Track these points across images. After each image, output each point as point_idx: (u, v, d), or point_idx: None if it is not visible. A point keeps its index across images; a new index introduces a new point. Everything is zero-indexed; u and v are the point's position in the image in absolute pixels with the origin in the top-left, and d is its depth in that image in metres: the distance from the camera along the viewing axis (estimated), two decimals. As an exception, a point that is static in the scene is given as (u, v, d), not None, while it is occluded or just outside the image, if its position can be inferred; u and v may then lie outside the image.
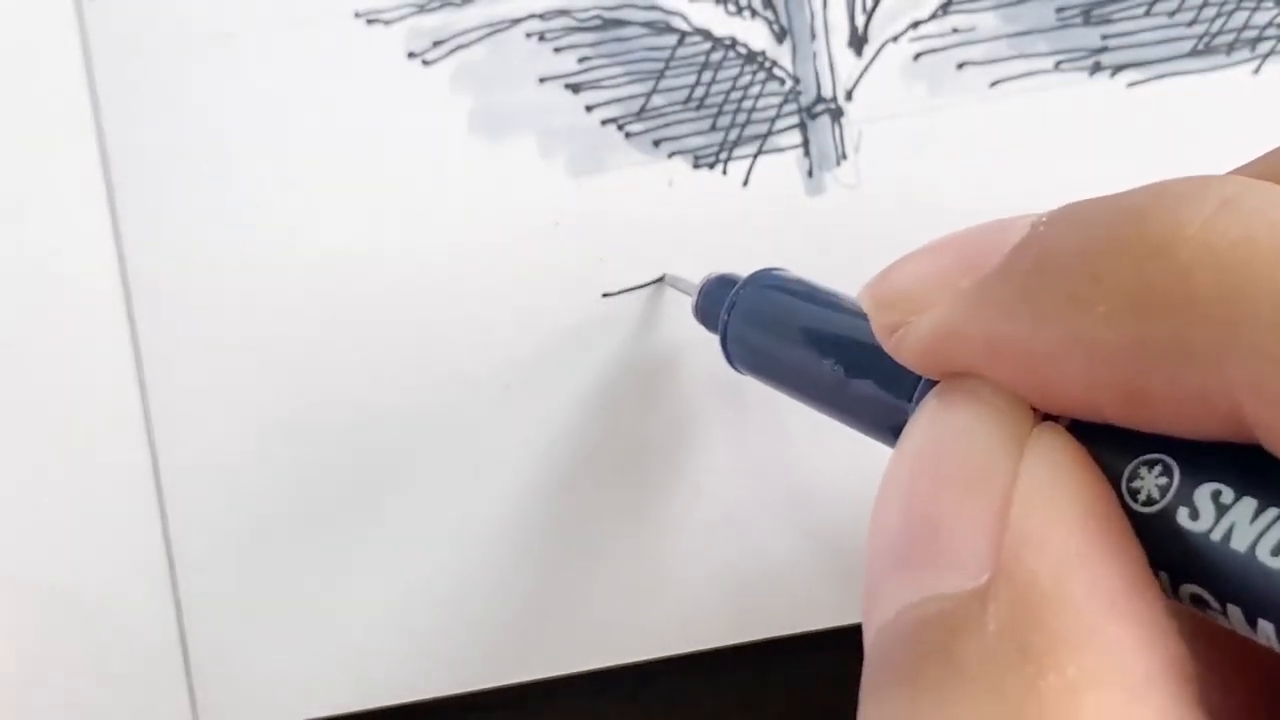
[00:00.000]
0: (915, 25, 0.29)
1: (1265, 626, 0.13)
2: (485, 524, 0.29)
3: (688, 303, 0.27)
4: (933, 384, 0.16)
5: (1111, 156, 0.29)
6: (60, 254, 0.29)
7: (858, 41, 0.29)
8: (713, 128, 0.29)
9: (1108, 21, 0.29)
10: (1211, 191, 0.13)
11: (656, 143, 0.29)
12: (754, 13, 0.29)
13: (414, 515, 0.29)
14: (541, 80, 0.29)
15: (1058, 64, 0.29)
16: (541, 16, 0.29)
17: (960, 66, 0.29)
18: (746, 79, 0.29)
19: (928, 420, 0.16)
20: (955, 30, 0.29)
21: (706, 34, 0.29)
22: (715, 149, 0.29)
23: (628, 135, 0.29)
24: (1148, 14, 0.29)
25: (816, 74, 0.29)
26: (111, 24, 0.29)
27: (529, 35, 0.29)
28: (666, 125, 0.29)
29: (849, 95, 0.29)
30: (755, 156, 0.29)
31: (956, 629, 0.13)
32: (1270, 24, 0.29)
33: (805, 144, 0.29)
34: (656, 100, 0.29)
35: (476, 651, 0.30)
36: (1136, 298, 0.13)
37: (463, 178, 0.29)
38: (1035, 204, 0.29)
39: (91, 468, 0.29)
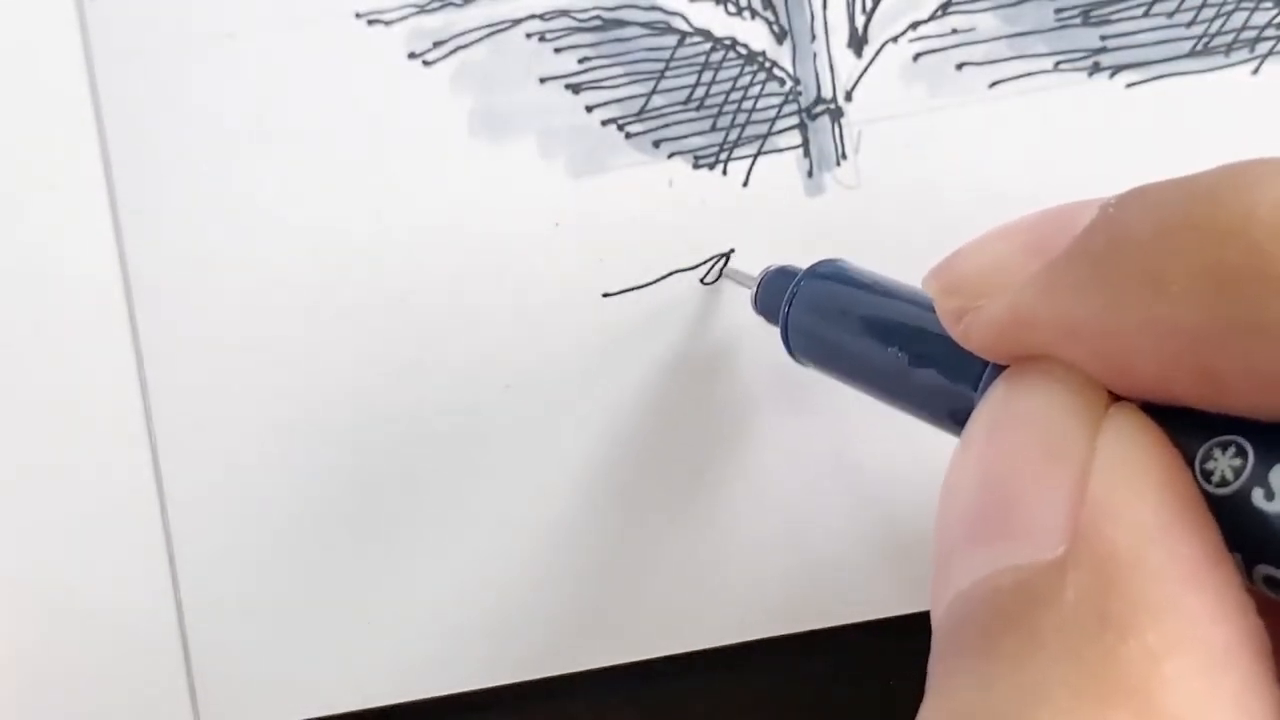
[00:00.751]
0: (915, 26, 0.29)
1: None
2: (497, 522, 0.29)
3: (745, 295, 0.27)
4: (999, 369, 0.16)
5: (1111, 157, 0.29)
6: (61, 254, 0.29)
7: (857, 42, 0.29)
8: (713, 128, 0.29)
9: (1107, 22, 0.29)
10: None
11: (656, 143, 0.29)
12: (754, 13, 0.29)
13: (414, 515, 0.29)
14: (542, 81, 0.29)
15: (1057, 64, 0.29)
16: (542, 17, 0.29)
17: (960, 67, 0.29)
18: (746, 79, 0.29)
19: (1000, 400, 0.16)
20: (955, 31, 0.29)
21: (707, 34, 0.29)
22: (715, 149, 0.29)
23: (628, 135, 0.29)
24: (1146, 14, 0.29)
25: (816, 74, 0.29)
26: (112, 24, 0.29)
27: (529, 36, 0.29)
28: (666, 125, 0.29)
29: (849, 96, 0.29)
30: (755, 157, 0.29)
31: (1034, 598, 0.13)
32: (1269, 24, 0.29)
33: (805, 144, 0.29)
34: (657, 101, 0.29)
35: (478, 651, 0.30)
36: (1210, 276, 0.13)
37: (463, 178, 0.29)
38: (1035, 204, 0.30)
39: (93, 468, 0.29)
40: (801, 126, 0.29)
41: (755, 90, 0.29)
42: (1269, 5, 0.29)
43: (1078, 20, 0.29)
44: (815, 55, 0.29)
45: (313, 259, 0.29)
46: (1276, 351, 0.13)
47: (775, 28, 0.29)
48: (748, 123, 0.29)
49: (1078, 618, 0.13)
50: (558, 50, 0.29)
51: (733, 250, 0.29)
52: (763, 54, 0.29)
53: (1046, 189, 0.29)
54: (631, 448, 0.29)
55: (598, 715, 0.30)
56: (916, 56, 0.29)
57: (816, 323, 0.23)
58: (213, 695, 0.29)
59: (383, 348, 0.29)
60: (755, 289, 0.26)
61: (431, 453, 0.29)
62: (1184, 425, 0.14)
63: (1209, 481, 0.14)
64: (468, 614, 0.29)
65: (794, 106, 0.29)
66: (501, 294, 0.29)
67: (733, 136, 0.29)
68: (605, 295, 0.29)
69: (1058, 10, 0.29)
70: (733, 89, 0.29)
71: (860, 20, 0.29)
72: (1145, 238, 0.14)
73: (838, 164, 0.29)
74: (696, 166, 0.29)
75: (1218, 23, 0.29)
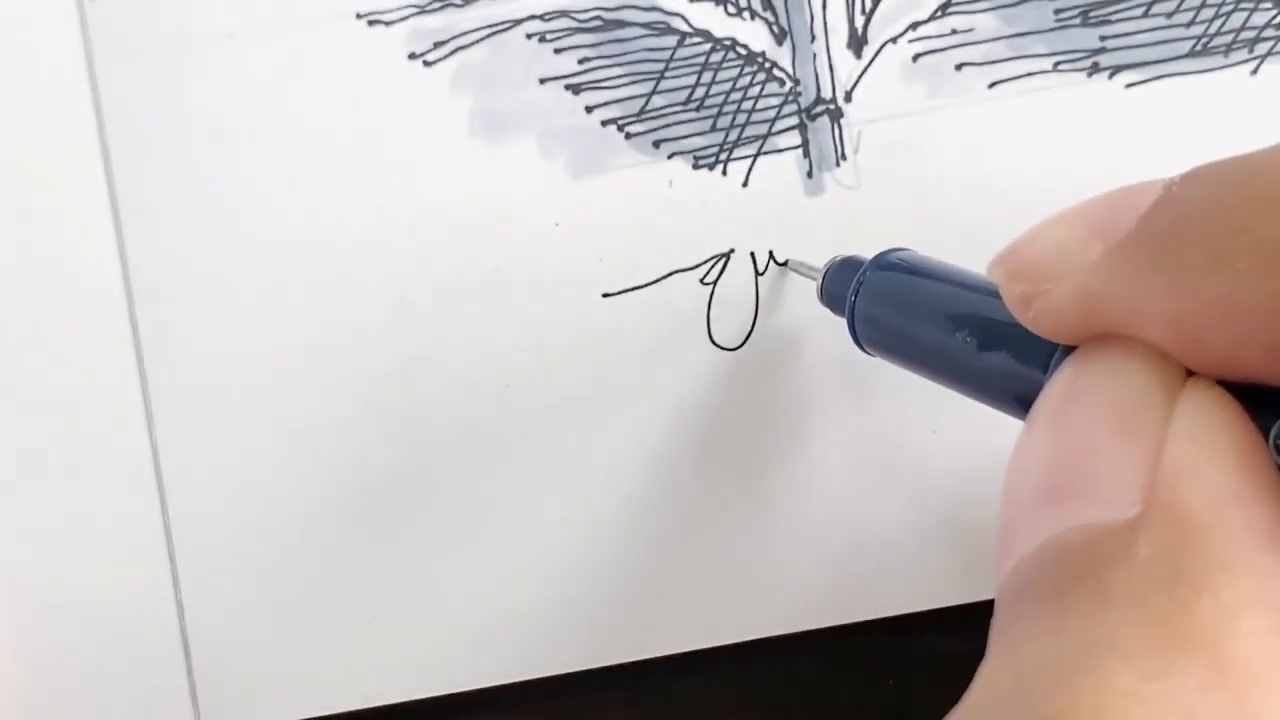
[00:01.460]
0: (914, 26, 0.29)
1: None
2: (498, 521, 0.29)
3: (810, 286, 0.27)
4: (1068, 351, 0.17)
5: (1110, 157, 0.29)
6: (62, 254, 0.29)
7: (857, 43, 0.29)
8: (713, 128, 0.29)
9: (1106, 23, 0.29)
10: None
11: (656, 143, 0.29)
12: (754, 14, 0.29)
13: (414, 514, 0.29)
14: (542, 81, 0.29)
15: (1056, 65, 0.29)
16: (542, 17, 0.29)
17: (959, 67, 0.29)
18: (746, 80, 0.29)
19: (1073, 375, 0.16)
20: (954, 31, 0.29)
21: (706, 35, 0.29)
22: (715, 149, 0.29)
23: (628, 136, 0.29)
24: (1146, 15, 0.29)
25: (816, 75, 0.29)
26: (112, 24, 0.29)
27: (529, 36, 0.29)
28: (666, 126, 0.29)
29: (848, 96, 0.29)
30: (755, 157, 0.29)
31: (1105, 556, 0.13)
32: (1268, 24, 0.29)
33: (805, 144, 0.29)
34: (657, 101, 0.29)
35: (478, 650, 0.30)
36: (1274, 252, 0.13)
37: (463, 178, 0.29)
38: (1034, 204, 0.30)
39: (93, 468, 0.29)
40: (801, 127, 0.29)
41: (755, 90, 0.29)
42: (1268, 5, 0.29)
43: (1077, 21, 0.29)
44: (815, 56, 0.29)
45: (313, 259, 0.29)
46: None
47: (775, 28, 0.29)
48: (748, 123, 0.29)
49: (1150, 574, 0.13)
50: (558, 51, 0.29)
51: (733, 250, 0.29)
52: (763, 54, 0.29)
53: (1046, 189, 0.29)
54: (631, 448, 0.29)
55: (598, 715, 0.30)
56: (916, 57, 0.29)
57: (883, 312, 0.24)
58: (213, 695, 0.29)
59: (382, 348, 0.29)
60: (821, 280, 0.27)
61: (431, 452, 0.29)
62: (1256, 402, 0.15)
63: None
64: (468, 613, 0.29)
65: (794, 107, 0.29)
66: (501, 294, 0.29)
67: (733, 137, 0.29)
68: (605, 295, 0.29)
69: (1057, 11, 0.29)
70: (733, 89, 0.29)
71: (860, 21, 0.29)
72: (1209, 216, 0.14)
73: (837, 164, 0.29)
74: (696, 166, 0.29)
75: (1217, 23, 0.29)
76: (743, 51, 0.29)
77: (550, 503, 0.29)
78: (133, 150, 0.29)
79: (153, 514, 0.29)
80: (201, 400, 0.29)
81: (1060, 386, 0.16)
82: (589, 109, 0.29)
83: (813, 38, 0.29)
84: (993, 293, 0.19)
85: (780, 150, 0.29)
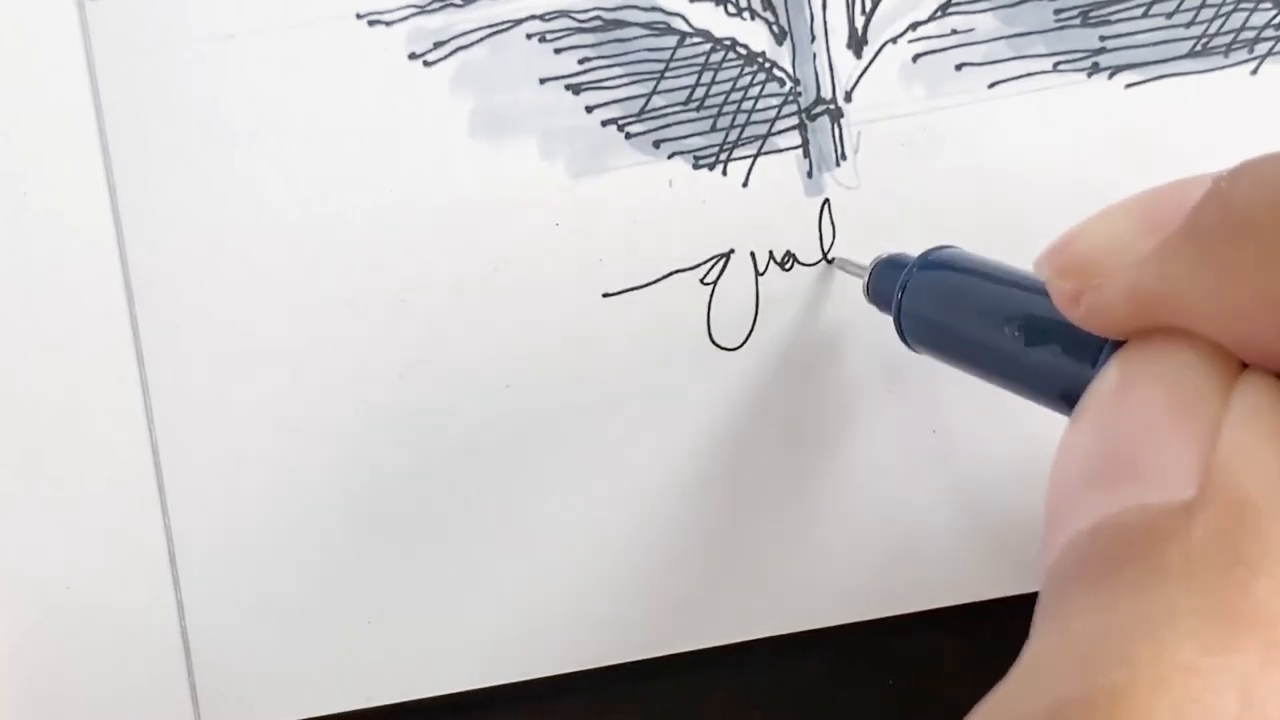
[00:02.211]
0: (914, 26, 0.29)
1: None
2: (498, 521, 0.29)
3: (856, 284, 0.27)
4: (1117, 346, 0.17)
5: (1110, 157, 0.29)
6: (62, 253, 0.29)
7: (857, 43, 0.29)
8: (713, 128, 0.29)
9: (1106, 23, 0.29)
10: None
11: (657, 143, 0.29)
12: (754, 14, 0.29)
13: (414, 514, 0.29)
14: (542, 81, 0.29)
15: (1056, 65, 0.29)
16: (542, 18, 0.29)
17: (959, 68, 0.29)
18: (746, 80, 0.29)
19: (1126, 364, 0.16)
20: (954, 31, 0.29)
21: (707, 35, 0.29)
22: (715, 150, 0.29)
23: (628, 136, 0.29)
24: (1146, 15, 0.29)
25: (816, 75, 0.29)
26: (112, 24, 0.29)
27: (530, 36, 0.29)
28: (667, 126, 0.29)
29: (848, 96, 0.29)
30: (755, 157, 0.29)
31: (1162, 535, 0.14)
32: (1268, 25, 0.29)
33: (805, 144, 0.29)
34: (657, 101, 0.29)
35: (478, 650, 0.30)
36: None
37: (464, 178, 0.29)
38: (1034, 204, 0.30)
39: (93, 468, 0.29)
40: (801, 127, 0.29)
41: (755, 91, 0.29)
42: (1268, 6, 0.29)
43: (1077, 21, 0.29)
44: (815, 56, 0.30)
45: (313, 259, 0.29)
46: None
47: (775, 28, 0.30)
48: (748, 123, 0.29)
49: (1206, 554, 0.13)
50: (558, 51, 0.29)
51: (733, 250, 0.29)
52: (763, 54, 0.29)
53: (1046, 189, 0.29)
54: (631, 448, 0.29)
55: (598, 714, 0.30)
56: (916, 57, 0.29)
57: (930, 309, 0.24)
58: (213, 695, 0.29)
59: (383, 348, 0.29)
60: (867, 278, 0.27)
61: (431, 452, 0.29)
62: None
63: None
64: (468, 613, 0.29)
65: (794, 107, 0.29)
66: (501, 294, 0.29)
67: (733, 137, 0.29)
68: (605, 295, 0.29)
69: (1057, 11, 0.29)
70: (733, 89, 0.29)
71: (860, 21, 0.29)
72: (1257, 212, 0.14)
73: (837, 164, 0.29)
74: (696, 167, 0.29)
75: (1216, 23, 0.29)
76: (743, 51, 0.29)
77: (549, 502, 0.29)
78: (133, 150, 0.29)
79: (153, 514, 0.29)
80: (202, 400, 0.29)
81: (1112, 377, 0.16)
82: (589, 109, 0.29)
83: (813, 38, 0.29)
84: (1039, 289, 0.19)
85: (780, 150, 0.29)
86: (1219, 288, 0.15)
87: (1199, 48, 0.29)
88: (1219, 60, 0.29)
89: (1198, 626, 0.13)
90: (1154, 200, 0.17)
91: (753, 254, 0.29)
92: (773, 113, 0.29)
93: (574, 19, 0.29)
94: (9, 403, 0.29)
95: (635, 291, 0.29)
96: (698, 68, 0.29)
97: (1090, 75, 0.29)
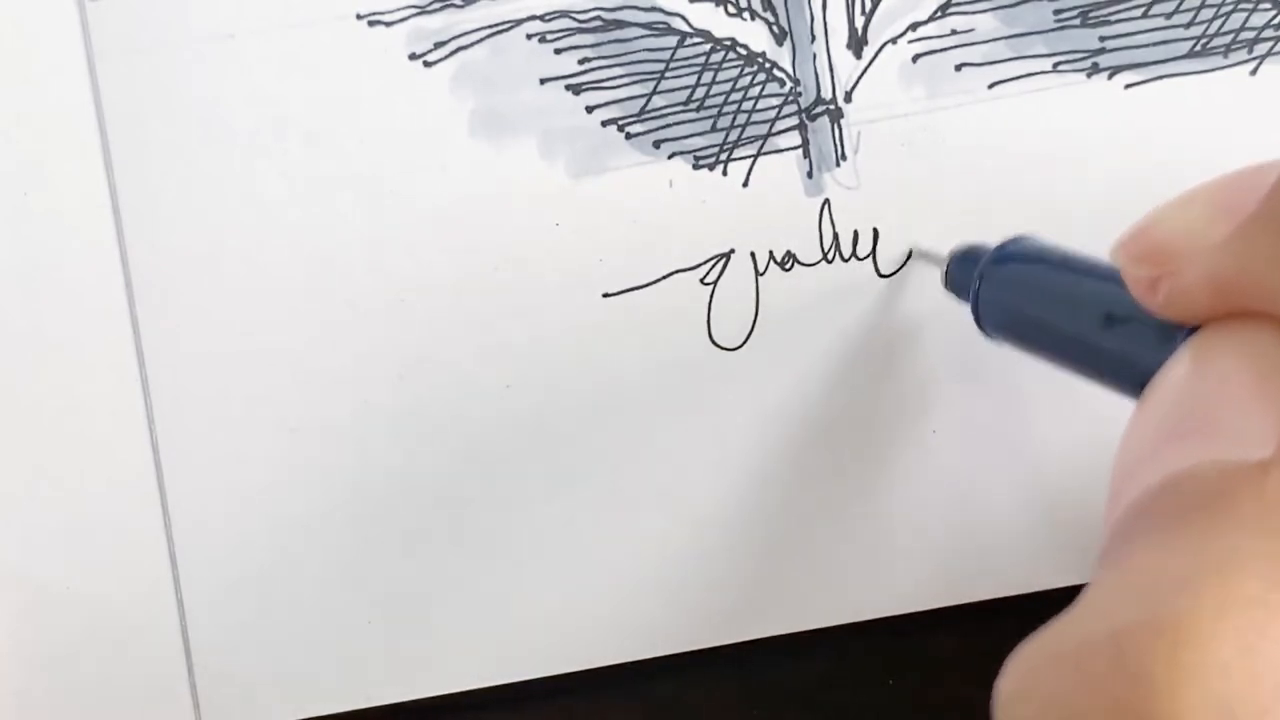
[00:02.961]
0: (914, 27, 0.29)
1: None
2: (498, 520, 0.29)
3: (935, 274, 0.28)
4: (1194, 331, 0.17)
5: (1110, 157, 0.29)
6: (62, 253, 0.29)
7: (857, 43, 0.29)
8: (713, 128, 0.29)
9: (1106, 23, 0.29)
10: None
11: (657, 144, 0.29)
12: (754, 14, 0.29)
13: (414, 513, 0.29)
14: (542, 81, 0.29)
15: (1056, 65, 0.29)
16: (542, 18, 0.29)
17: (959, 68, 0.29)
18: (746, 80, 0.29)
19: (1206, 340, 0.16)
20: (954, 32, 0.29)
21: (707, 35, 0.29)
22: (715, 150, 0.29)
23: (628, 136, 0.29)
24: (1145, 15, 0.29)
25: (816, 75, 0.29)
26: (112, 24, 0.29)
27: (530, 36, 0.29)
28: (667, 126, 0.29)
29: (848, 96, 0.29)
30: (755, 157, 0.29)
31: (1233, 488, 0.14)
32: (1267, 25, 0.29)
33: (805, 145, 0.29)
34: (657, 101, 0.29)
35: (479, 649, 0.30)
36: None
37: (464, 179, 0.29)
38: (1034, 204, 0.30)
39: (94, 468, 0.29)
40: (801, 127, 0.29)
41: (755, 91, 0.29)
42: (1267, 6, 0.29)
43: (1077, 21, 0.29)
44: (815, 56, 0.30)
45: (313, 259, 0.29)
46: None
47: (775, 29, 0.30)
48: (748, 123, 0.29)
49: (1277, 506, 0.13)
50: (558, 51, 0.29)
51: (733, 250, 0.29)
52: (763, 55, 0.30)
53: (1045, 190, 0.29)
54: (630, 448, 0.29)
55: (598, 714, 0.30)
56: (916, 57, 0.29)
57: (1008, 298, 0.24)
58: (213, 695, 0.29)
59: (383, 348, 0.29)
60: (945, 267, 0.27)
61: (431, 452, 0.29)
62: None
63: None
64: (468, 613, 0.29)
65: (794, 107, 0.29)
66: (501, 294, 0.29)
67: (733, 137, 0.29)
68: (605, 295, 0.29)
69: (1057, 11, 0.29)
70: (733, 90, 0.29)
71: (860, 21, 0.29)
72: None
73: (837, 164, 0.29)
74: (696, 167, 0.29)
75: (1216, 24, 0.29)
76: (743, 52, 0.29)
77: (549, 502, 0.29)
78: (133, 150, 0.29)
79: (153, 514, 0.29)
80: (202, 400, 0.29)
81: (1188, 356, 0.16)
82: (589, 109, 0.29)
83: (813, 38, 0.30)
84: (1115, 278, 0.19)
85: (780, 150, 0.29)
86: None
87: (1199, 48, 0.29)
88: (1218, 60, 0.29)
89: (1265, 567, 0.12)
90: (1228, 186, 0.17)
91: (753, 254, 0.29)
92: (773, 113, 0.29)
93: (574, 19, 0.29)
94: (9, 403, 0.29)
95: (635, 291, 0.29)
96: (698, 68, 0.29)
97: (1090, 75, 0.29)
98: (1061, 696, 0.13)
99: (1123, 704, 0.12)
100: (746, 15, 0.29)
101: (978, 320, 0.25)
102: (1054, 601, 0.30)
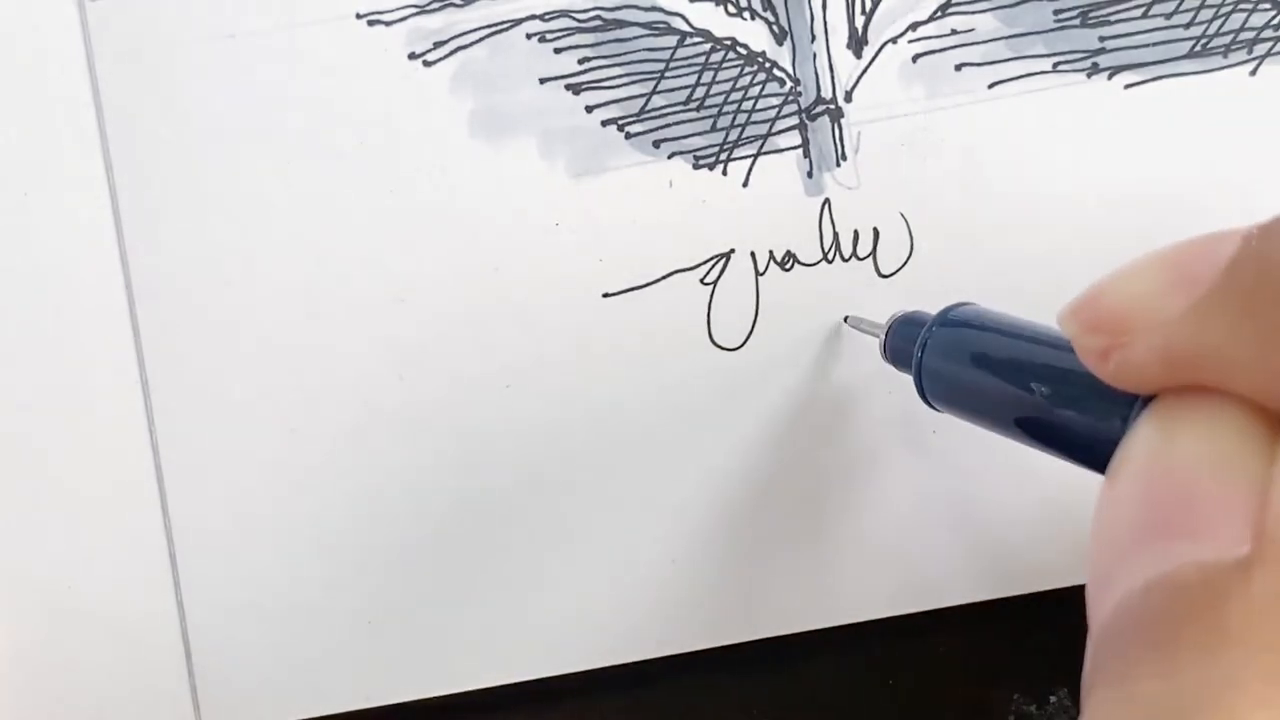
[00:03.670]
0: (914, 27, 0.29)
1: None
2: (498, 521, 0.29)
3: (871, 343, 0.27)
4: (1147, 401, 0.17)
5: (1110, 157, 0.29)
6: (62, 254, 0.29)
7: (857, 43, 0.29)
8: (713, 128, 0.29)
9: (1105, 23, 0.29)
10: None
11: (657, 143, 0.29)
12: (754, 14, 0.29)
13: (414, 514, 0.29)
14: (542, 81, 0.29)
15: (1056, 65, 0.29)
16: (542, 17, 0.29)
17: (959, 68, 0.29)
18: (746, 80, 0.29)
19: (1163, 420, 0.16)
20: (954, 32, 0.29)
21: (707, 35, 0.29)
22: (715, 149, 0.29)
23: (628, 136, 0.29)
24: (1145, 16, 0.29)
25: (816, 75, 0.29)
26: (113, 25, 0.29)
27: (530, 36, 0.29)
28: (667, 126, 0.29)
29: (848, 96, 0.29)
30: (755, 157, 0.29)
31: (1219, 593, 0.13)
32: (1267, 25, 0.29)
33: (805, 144, 0.29)
34: (657, 101, 0.29)
35: (479, 650, 0.30)
36: None
37: (464, 178, 0.29)
38: (1033, 205, 0.30)
39: (94, 469, 0.29)
40: (801, 127, 0.29)
41: (755, 90, 0.29)
42: (1266, 6, 0.29)
43: (1076, 21, 0.29)
44: (815, 56, 0.30)
45: (313, 259, 0.29)
46: None
47: (775, 28, 0.30)
48: (748, 123, 0.29)
49: (1268, 611, 0.13)
50: (558, 51, 0.29)
51: (733, 250, 0.29)
52: (763, 54, 0.30)
53: (1045, 189, 0.29)
54: (630, 447, 0.29)
55: (599, 714, 0.30)
56: (916, 57, 0.29)
57: (952, 368, 0.23)
58: (213, 695, 0.29)
59: (382, 348, 0.29)
60: (884, 337, 0.26)
61: (431, 452, 0.29)
62: None
63: None
64: (468, 614, 0.29)
65: (794, 107, 0.29)
66: (501, 294, 0.29)
67: (733, 137, 0.29)
68: (605, 295, 0.29)
69: (1056, 11, 0.29)
70: (733, 89, 0.29)
71: (860, 21, 0.29)
72: None
73: (837, 164, 0.29)
74: (696, 166, 0.29)
75: (1216, 24, 0.29)
76: (743, 51, 0.29)
77: (548, 503, 0.29)
78: (133, 150, 0.29)
79: (153, 514, 0.29)
80: (202, 400, 0.29)
81: (1150, 434, 0.16)
82: (589, 109, 0.29)
83: (813, 38, 0.30)
84: (1061, 345, 0.19)
85: (780, 150, 0.29)
86: (1258, 349, 0.15)
87: (1198, 48, 0.29)
88: (1218, 61, 0.29)
89: (1266, 690, 0.13)
90: (1182, 256, 0.16)
91: (753, 254, 0.29)
92: (773, 113, 0.29)
93: (574, 19, 0.29)
94: (9, 403, 0.29)
95: (635, 291, 0.29)
96: (698, 68, 0.29)
97: (1090, 75, 0.29)
98: None
99: None
100: (746, 15, 0.29)
101: (921, 392, 0.24)
102: (1054, 602, 0.30)
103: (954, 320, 0.24)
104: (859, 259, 0.29)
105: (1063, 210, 0.29)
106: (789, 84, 0.30)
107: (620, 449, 0.29)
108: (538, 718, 0.30)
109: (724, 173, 0.29)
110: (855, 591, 0.29)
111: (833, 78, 0.29)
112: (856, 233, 0.29)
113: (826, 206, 0.29)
